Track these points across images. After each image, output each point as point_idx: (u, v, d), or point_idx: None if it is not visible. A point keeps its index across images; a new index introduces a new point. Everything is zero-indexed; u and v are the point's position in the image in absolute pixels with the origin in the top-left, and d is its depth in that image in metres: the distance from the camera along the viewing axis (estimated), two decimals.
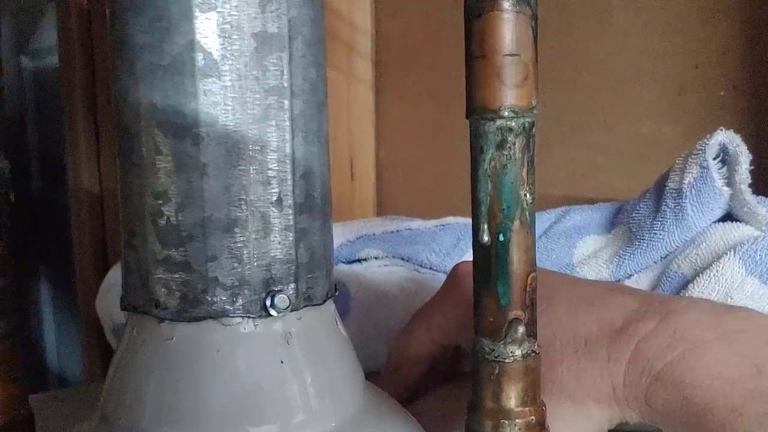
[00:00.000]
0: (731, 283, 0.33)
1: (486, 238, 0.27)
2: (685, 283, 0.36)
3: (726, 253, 0.34)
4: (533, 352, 0.27)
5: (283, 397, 0.26)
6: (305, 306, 0.27)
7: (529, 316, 0.27)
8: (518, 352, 0.27)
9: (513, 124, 0.26)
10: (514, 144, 0.26)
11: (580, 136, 0.55)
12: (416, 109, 0.64)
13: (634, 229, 0.41)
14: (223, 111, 0.25)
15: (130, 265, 0.27)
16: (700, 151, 0.38)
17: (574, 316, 0.32)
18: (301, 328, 0.27)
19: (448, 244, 0.48)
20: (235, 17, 0.24)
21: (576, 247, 0.44)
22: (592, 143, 0.54)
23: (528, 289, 0.27)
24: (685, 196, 0.38)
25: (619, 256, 0.40)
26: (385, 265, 0.48)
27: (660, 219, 0.39)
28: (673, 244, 0.38)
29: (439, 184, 0.61)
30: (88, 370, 0.81)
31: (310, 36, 0.26)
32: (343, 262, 0.49)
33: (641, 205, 0.41)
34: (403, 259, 0.48)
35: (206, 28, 0.24)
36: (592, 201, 0.49)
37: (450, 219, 0.51)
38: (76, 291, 0.86)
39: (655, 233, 0.39)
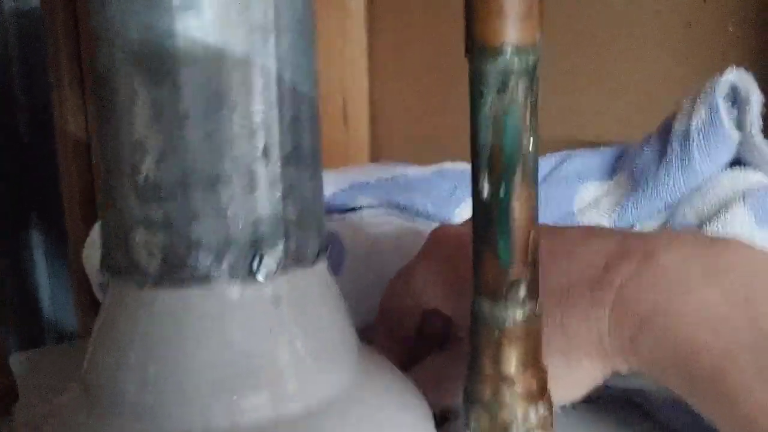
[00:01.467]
0: (739, 234, 0.32)
1: (486, 190, 0.25)
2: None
3: (735, 202, 0.33)
4: (534, 313, 0.26)
5: (273, 366, 0.25)
6: (296, 267, 0.26)
7: (532, 276, 0.26)
8: (519, 315, 0.26)
9: (516, 63, 0.24)
10: (517, 86, 0.24)
11: (583, 76, 0.53)
12: (413, 47, 0.61)
13: (637, 176, 0.39)
14: (203, 51, 0.23)
15: (108, 224, 0.25)
16: (708, 92, 0.36)
17: (554, 267, 0.30)
18: (291, 290, 0.25)
19: (445, 191, 0.46)
20: None
21: (577, 193, 0.42)
22: (595, 83, 0.52)
23: (530, 245, 0.26)
24: (693, 139, 0.36)
25: (622, 205, 0.39)
26: (380, 215, 0.47)
27: (665, 165, 0.37)
28: (678, 192, 0.37)
29: (437, 126, 0.58)
30: (82, 322, 0.80)
31: None
32: (337, 212, 0.47)
33: (645, 150, 0.40)
34: (398, 207, 0.46)
35: None
36: (595, 144, 0.47)
37: (447, 165, 0.49)
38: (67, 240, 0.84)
39: (660, 180, 0.37)
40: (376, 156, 0.62)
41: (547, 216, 0.43)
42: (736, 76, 0.36)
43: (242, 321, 0.24)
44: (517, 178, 0.25)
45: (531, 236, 0.25)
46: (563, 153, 0.46)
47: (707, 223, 0.34)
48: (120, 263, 0.25)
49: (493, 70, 0.24)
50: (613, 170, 0.43)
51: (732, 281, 0.27)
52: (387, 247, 0.44)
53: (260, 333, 0.25)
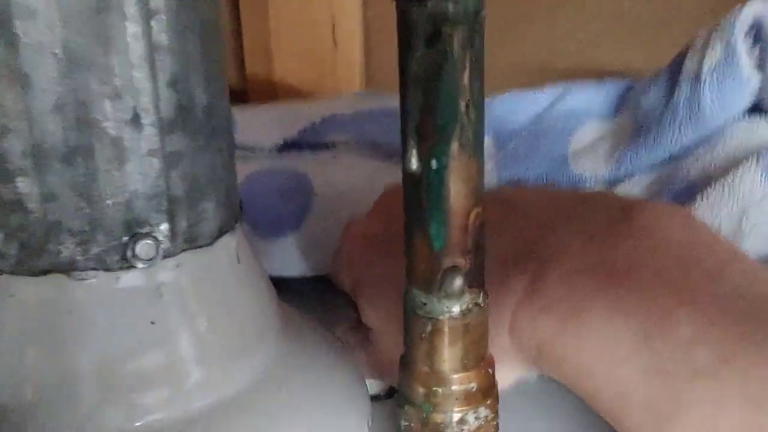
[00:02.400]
0: (748, 199, 0.27)
1: (415, 164, 0.20)
2: (693, 193, 0.29)
3: (745, 162, 0.27)
4: (476, 305, 0.22)
5: (160, 362, 0.21)
6: (186, 249, 0.21)
7: (472, 263, 0.21)
8: (455, 308, 0.21)
9: (450, 8, 0.18)
10: (451, 37, 0.19)
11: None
12: None
13: (640, 119, 0.34)
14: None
15: None
16: (726, 26, 0.30)
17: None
18: (179, 277, 0.21)
19: None
20: None
21: (573, 135, 0.37)
22: (602, 6, 0.45)
23: (470, 228, 0.21)
24: (704, 82, 0.30)
25: (621, 152, 0.33)
26: (356, 152, 0.42)
27: (671, 110, 0.31)
28: (684, 141, 0.31)
29: None
30: None
31: None
32: (308, 148, 0.43)
33: (651, 90, 0.34)
34: (374, 145, 0.41)
35: None
36: (600, 75, 0.41)
37: None
38: None
39: (664, 127, 0.31)
40: (370, 82, 0.56)
41: (537, 161, 0.37)
42: (761, 7, 0.29)
43: (116, 315, 0.20)
44: (453, 149, 0.20)
45: (471, 217, 0.21)
46: (562, 86, 0.40)
47: (713, 182, 0.28)
48: None
49: (420, 16, 0.19)
50: (616, 108, 0.38)
51: (632, 289, 0.23)
52: (359, 192, 0.40)
53: (140, 328, 0.21)
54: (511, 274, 0.26)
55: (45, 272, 0.20)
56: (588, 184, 0.35)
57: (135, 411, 0.21)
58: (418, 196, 0.20)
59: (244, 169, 0.34)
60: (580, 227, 0.25)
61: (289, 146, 0.42)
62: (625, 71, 0.43)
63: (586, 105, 0.38)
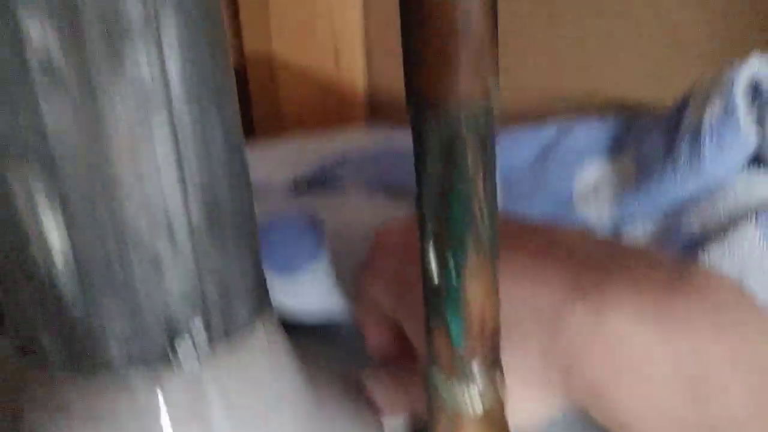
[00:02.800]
0: (747, 258, 0.28)
1: (435, 267, 0.21)
2: (696, 248, 0.30)
3: (745, 222, 0.28)
4: (493, 383, 0.23)
5: None
6: (222, 342, 0.23)
7: (489, 348, 0.23)
8: (474, 390, 0.23)
9: (464, 123, 0.19)
10: (466, 152, 0.20)
11: (592, 20, 0.46)
12: None
13: (642, 165, 0.35)
14: (76, 128, 0.19)
15: (11, 308, 0.22)
16: (726, 82, 0.31)
17: (506, 294, 0.27)
18: (218, 370, 0.23)
19: None
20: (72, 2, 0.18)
21: (574, 178, 0.38)
22: (602, 32, 0.46)
23: (487, 320, 0.22)
24: (704, 136, 0.31)
25: (624, 198, 0.35)
26: (369, 193, 0.43)
27: (672, 165, 0.32)
28: (685, 192, 0.32)
29: None
30: None
31: (186, 9, 0.20)
32: (319, 189, 0.44)
33: (652, 137, 0.35)
34: (385, 187, 0.42)
35: (35, 18, 0.18)
36: (601, 102, 0.42)
37: None
38: None
39: (665, 176, 0.32)
40: (373, 108, 0.57)
41: (542, 201, 0.39)
42: (758, 67, 0.30)
43: (161, 415, 0.22)
44: (470, 256, 0.21)
45: (487, 311, 0.22)
46: (565, 122, 0.41)
47: (713, 237, 0.30)
48: (22, 340, 0.22)
49: (435, 131, 0.20)
50: (616, 147, 0.39)
51: (688, 346, 0.24)
52: (368, 233, 0.41)
53: (185, 421, 0.22)
54: (565, 318, 0.26)
55: (89, 373, 0.21)
56: (593, 227, 0.36)
57: None
58: (439, 300, 0.22)
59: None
60: (633, 277, 0.26)
61: (299, 186, 0.44)
62: (626, 99, 0.44)
63: (586, 144, 0.39)
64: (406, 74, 0.20)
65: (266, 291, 0.25)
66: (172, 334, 0.22)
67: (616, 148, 0.39)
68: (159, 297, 0.21)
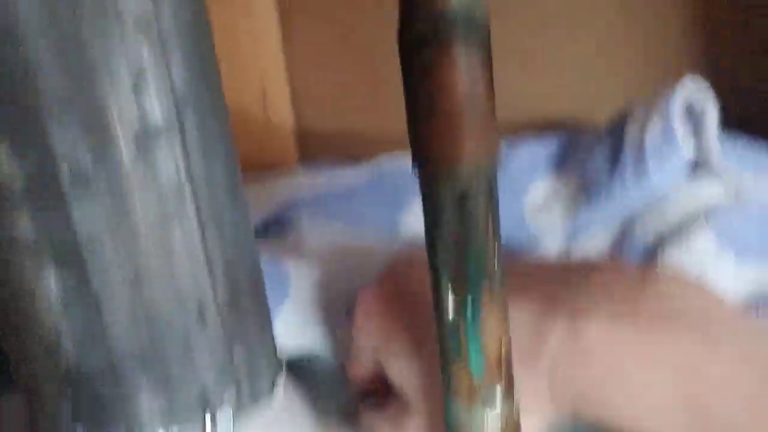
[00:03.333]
0: (704, 259, 0.31)
1: (452, 314, 0.23)
2: (650, 251, 0.33)
3: (697, 225, 0.31)
4: (510, 409, 0.25)
5: None
6: (253, 405, 0.23)
7: (506, 382, 0.24)
8: (494, 416, 0.24)
9: (474, 182, 0.21)
10: (477, 204, 0.21)
11: (532, 41, 0.48)
12: (331, 24, 0.55)
13: (588, 183, 0.37)
14: (107, 229, 0.19)
15: (33, 400, 0.22)
16: (663, 103, 0.34)
17: None
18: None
19: (387, 197, 0.43)
20: (103, 108, 0.18)
21: (526, 194, 0.40)
22: (547, 57, 0.48)
23: (503, 354, 0.24)
24: (647, 155, 0.34)
25: (575, 214, 0.37)
26: (322, 232, 0.44)
27: (619, 178, 0.35)
28: (633, 204, 0.35)
29: (369, 109, 0.54)
30: None
31: (203, 109, 0.20)
32: (273, 235, 0.44)
33: (595, 158, 0.37)
34: (341, 222, 0.43)
35: (64, 129, 0.18)
36: (545, 117, 0.45)
37: (384, 162, 0.46)
38: None
39: (614, 192, 0.35)
40: (303, 147, 0.57)
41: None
42: (690, 91, 0.34)
43: None
44: (485, 297, 0.22)
45: (503, 345, 0.24)
46: (508, 144, 0.43)
47: (668, 242, 0.33)
48: None
49: (449, 191, 0.21)
50: (561, 164, 0.41)
51: (663, 351, 0.26)
52: (333, 268, 0.42)
53: None
54: (543, 329, 0.27)
55: None
56: (546, 241, 0.38)
57: None
58: (457, 340, 0.23)
59: None
60: (601, 289, 0.27)
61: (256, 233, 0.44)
62: (572, 120, 0.46)
63: (532, 163, 0.41)
64: (412, 139, 0.21)
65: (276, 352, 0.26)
66: (205, 407, 0.22)
67: (561, 166, 0.41)
68: (192, 374, 0.22)
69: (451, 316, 0.23)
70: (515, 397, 0.25)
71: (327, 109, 0.55)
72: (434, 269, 0.23)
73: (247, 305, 0.23)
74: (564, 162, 0.41)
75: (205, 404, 0.22)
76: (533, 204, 0.40)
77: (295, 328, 0.41)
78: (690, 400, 0.25)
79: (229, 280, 0.22)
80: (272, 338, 0.25)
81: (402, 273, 0.34)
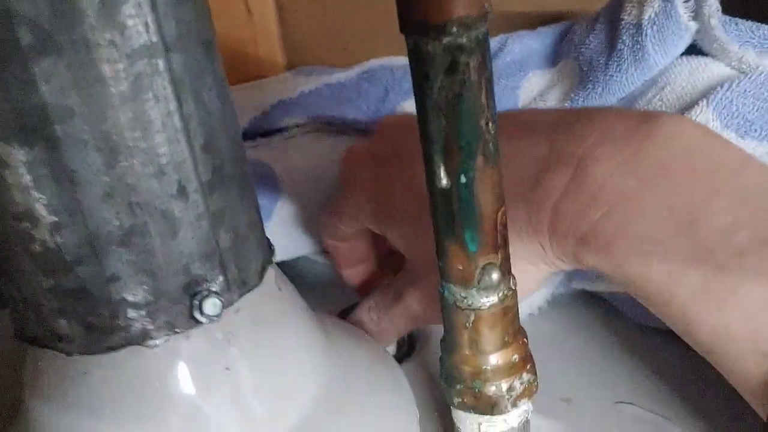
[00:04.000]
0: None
1: (444, 181, 0.22)
2: None
3: (697, 104, 0.30)
4: (510, 289, 0.24)
5: (232, 409, 0.22)
6: (242, 292, 0.22)
7: (503, 255, 0.23)
8: (494, 298, 0.24)
9: (464, 40, 0.20)
10: (468, 65, 0.20)
11: None
12: None
13: (585, 68, 0.36)
14: (77, 98, 0.18)
15: (13, 294, 0.21)
16: None
17: None
18: (241, 321, 0.22)
19: (376, 98, 0.42)
20: None
21: (520, 87, 0.39)
22: None
23: (499, 227, 0.23)
24: (645, 32, 0.33)
25: (571, 100, 0.36)
26: (308, 131, 0.43)
27: (616, 58, 0.34)
28: (631, 86, 0.34)
29: (356, 11, 0.52)
30: None
31: None
32: (261, 136, 0.43)
33: (591, 39, 0.36)
34: (328, 123, 0.42)
35: None
36: (540, 18, 0.43)
37: (373, 63, 0.45)
38: None
39: (611, 75, 0.34)
40: (288, 50, 0.56)
41: None
42: None
43: (191, 372, 0.22)
44: (478, 163, 0.21)
45: (499, 217, 0.23)
46: (499, 39, 0.41)
47: None
48: (37, 333, 0.21)
49: (438, 50, 0.20)
50: (555, 55, 0.40)
51: (669, 185, 0.25)
52: (322, 168, 0.41)
53: (215, 378, 0.22)
54: (547, 175, 0.27)
55: (117, 348, 0.21)
56: None
57: None
58: (450, 209, 0.22)
59: None
60: (602, 134, 0.26)
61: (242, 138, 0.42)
62: (566, 14, 0.44)
63: (526, 56, 0.40)
64: (400, 3, 0.20)
65: (269, 240, 0.25)
66: (194, 294, 0.21)
67: (555, 56, 0.40)
68: (178, 260, 0.21)
69: (443, 182, 0.22)
70: (512, 273, 0.24)
71: (314, 7, 0.53)
72: (425, 135, 0.21)
73: (231, 186, 0.22)
74: (557, 52, 0.39)
75: (192, 291, 0.21)
76: (528, 96, 0.39)
77: (287, 232, 0.40)
78: (692, 247, 0.24)
79: (211, 156, 0.21)
80: (260, 223, 0.24)
81: (393, 134, 0.33)
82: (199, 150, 0.20)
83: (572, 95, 0.36)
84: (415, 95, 0.21)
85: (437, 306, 0.25)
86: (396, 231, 0.32)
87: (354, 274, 0.38)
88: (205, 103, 0.20)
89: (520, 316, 0.31)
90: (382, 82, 0.43)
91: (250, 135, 0.43)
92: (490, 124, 0.21)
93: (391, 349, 0.36)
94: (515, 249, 0.27)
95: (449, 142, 0.21)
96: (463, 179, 0.21)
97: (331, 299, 0.38)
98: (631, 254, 0.25)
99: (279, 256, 0.41)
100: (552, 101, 0.37)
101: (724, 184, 0.25)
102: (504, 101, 0.39)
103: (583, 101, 0.35)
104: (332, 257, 0.39)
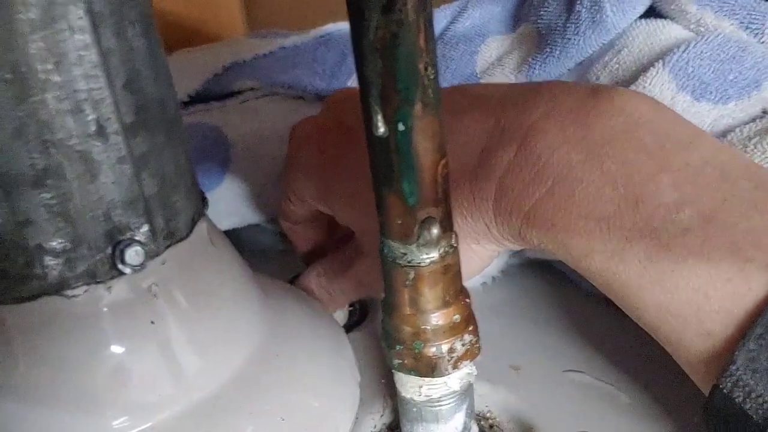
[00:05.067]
0: (659, 98, 0.29)
1: (382, 129, 0.21)
2: None
3: (653, 65, 0.29)
4: (451, 246, 0.23)
5: (158, 364, 0.21)
6: (168, 245, 0.21)
7: (444, 210, 0.23)
8: (434, 254, 0.23)
9: None
10: (405, 4, 0.19)
11: None
12: None
13: (543, 32, 0.35)
14: None
15: None
16: None
17: None
18: (167, 273, 0.21)
19: (333, 62, 0.41)
20: None
21: (478, 52, 0.38)
22: None
23: (439, 179, 0.22)
24: None
25: (529, 65, 0.35)
26: (264, 96, 0.42)
27: (574, 21, 0.33)
28: (589, 49, 0.33)
29: None
30: None
31: None
32: (214, 99, 0.42)
33: (551, 2, 0.35)
34: (282, 87, 0.41)
35: None
36: None
37: (331, 27, 0.43)
38: None
39: (569, 38, 0.33)
40: (251, 13, 0.54)
41: (447, 81, 0.39)
42: None
43: (114, 325, 0.21)
44: (417, 110, 0.20)
45: (439, 169, 0.22)
46: (458, 3, 0.41)
47: (622, 85, 0.31)
48: None
49: None
50: (516, 19, 0.39)
51: (614, 160, 0.24)
52: (276, 134, 0.40)
53: (140, 332, 0.21)
54: (492, 151, 0.26)
55: (35, 296, 0.20)
56: None
57: (146, 413, 0.21)
58: (388, 158, 0.21)
59: None
60: (549, 108, 0.26)
61: (194, 100, 0.41)
62: None
63: (485, 20, 0.39)
64: None
65: (202, 192, 0.24)
66: (117, 243, 0.20)
67: (515, 21, 0.39)
68: (98, 205, 0.20)
69: (380, 130, 0.21)
70: (454, 230, 0.24)
71: None
72: (362, 79, 0.20)
73: (157, 129, 0.21)
74: (516, 17, 0.39)
75: (114, 239, 0.20)
76: (486, 62, 0.38)
77: (237, 198, 0.39)
78: (635, 224, 0.23)
79: (134, 96, 0.20)
80: (191, 172, 0.23)
81: (340, 108, 0.32)
82: (120, 88, 0.19)
83: (530, 60, 0.35)
84: (351, 36, 0.20)
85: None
86: (344, 209, 0.31)
87: (312, 257, 0.37)
88: (127, 39, 0.19)
89: (473, 285, 0.31)
90: (340, 45, 0.42)
91: (202, 98, 0.42)
92: (429, 69, 0.20)
93: (343, 316, 0.36)
94: (460, 229, 0.27)
95: (386, 86, 0.20)
96: (401, 127, 0.21)
97: (285, 268, 0.37)
98: (573, 232, 0.24)
99: (229, 223, 0.40)
100: (510, 66, 0.36)
101: (671, 159, 0.24)
102: (462, 66, 0.38)
103: (541, 65, 0.34)
104: (290, 240, 0.38)
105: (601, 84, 0.29)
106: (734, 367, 0.21)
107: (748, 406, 0.21)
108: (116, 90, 0.19)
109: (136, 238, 0.20)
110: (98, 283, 0.20)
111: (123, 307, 0.21)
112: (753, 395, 0.21)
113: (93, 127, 0.19)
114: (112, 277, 0.20)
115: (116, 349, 0.21)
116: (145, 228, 0.21)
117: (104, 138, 0.19)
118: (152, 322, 0.21)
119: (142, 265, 0.20)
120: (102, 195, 0.20)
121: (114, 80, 0.19)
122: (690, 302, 0.23)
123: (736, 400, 0.21)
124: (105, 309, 0.20)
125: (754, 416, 0.21)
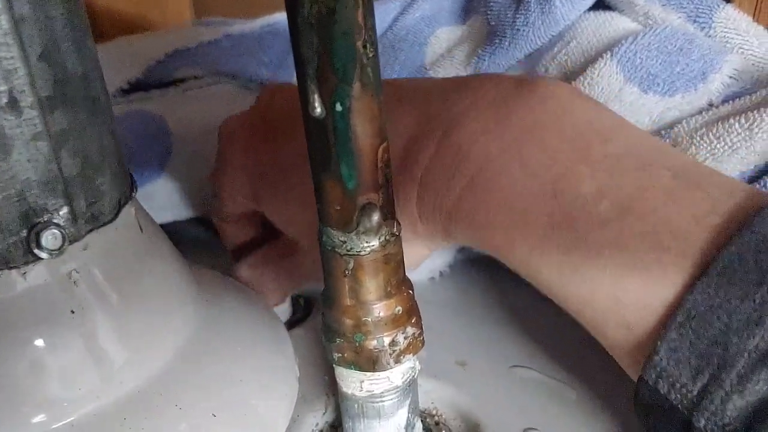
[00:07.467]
0: (608, 93, 0.29)
1: (318, 109, 0.20)
2: None
3: (602, 57, 0.29)
4: (393, 235, 0.22)
5: (81, 356, 0.20)
6: (90, 230, 0.20)
7: (385, 197, 0.22)
8: (375, 242, 0.22)
9: None
10: None
11: None
12: None
13: (492, 23, 0.35)
14: None
15: None
16: None
17: None
18: (89, 259, 0.20)
19: (279, 51, 0.40)
20: None
21: (427, 44, 0.37)
22: None
23: (380, 164, 0.21)
24: None
25: (478, 56, 0.35)
26: (208, 85, 0.40)
27: (523, 12, 0.33)
28: (538, 41, 0.33)
29: None
30: None
31: None
32: (156, 87, 0.40)
33: None
34: (227, 75, 0.40)
35: None
36: None
37: (278, 16, 0.42)
38: None
39: (518, 29, 0.33)
40: (197, 4, 0.53)
41: (396, 73, 0.38)
42: None
43: (29, 314, 0.19)
44: (355, 90, 0.20)
45: (380, 153, 0.21)
46: None
47: (571, 78, 0.30)
48: None
49: None
50: (466, 11, 0.38)
51: (534, 150, 0.24)
52: (216, 124, 0.38)
53: (58, 322, 0.20)
54: (414, 147, 0.25)
55: None
56: None
57: (66, 408, 0.20)
58: (326, 140, 0.20)
59: None
60: (473, 100, 0.25)
61: (134, 88, 0.40)
62: None
63: (435, 12, 0.38)
64: None
65: (131, 175, 0.23)
66: (33, 226, 0.19)
67: (465, 13, 0.38)
68: (11, 184, 0.18)
69: (317, 111, 0.20)
70: (396, 219, 0.23)
71: None
72: (298, 57, 0.20)
73: (80, 105, 0.19)
74: (466, 9, 0.38)
75: (29, 221, 0.19)
76: (435, 53, 0.37)
77: (177, 190, 0.38)
78: (554, 216, 0.23)
79: (52, 68, 0.18)
80: (117, 153, 0.22)
81: (270, 104, 0.31)
82: (35, 59, 0.18)
83: (479, 51, 0.35)
84: (287, 10, 0.19)
85: (321, 267, 0.23)
86: (274, 208, 0.30)
87: (244, 254, 0.36)
88: (44, 6, 0.18)
89: (421, 279, 0.30)
90: (287, 34, 0.40)
91: (144, 85, 0.40)
92: (368, 47, 0.19)
93: (286, 311, 0.34)
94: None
95: (323, 64, 0.19)
96: (338, 107, 0.20)
97: (225, 261, 0.36)
98: (493, 226, 0.24)
99: (169, 216, 0.39)
100: (459, 58, 0.36)
101: (591, 149, 0.23)
102: (411, 58, 0.37)
103: (490, 57, 0.34)
104: (221, 237, 0.36)
105: (527, 75, 0.28)
106: (657, 358, 0.21)
107: (673, 397, 0.20)
108: (31, 61, 0.18)
109: (54, 220, 0.19)
110: (12, 268, 0.19)
111: (40, 295, 0.19)
112: (677, 385, 0.20)
113: (4, 99, 0.17)
114: (28, 262, 0.19)
115: (33, 340, 0.19)
116: (65, 210, 0.19)
117: (17, 112, 0.18)
118: (73, 312, 0.20)
119: (60, 250, 0.19)
120: (15, 173, 0.18)
121: (28, 50, 0.18)
122: (609, 295, 0.22)
123: (661, 390, 0.21)
124: (20, 297, 0.19)
125: (679, 406, 0.20)
